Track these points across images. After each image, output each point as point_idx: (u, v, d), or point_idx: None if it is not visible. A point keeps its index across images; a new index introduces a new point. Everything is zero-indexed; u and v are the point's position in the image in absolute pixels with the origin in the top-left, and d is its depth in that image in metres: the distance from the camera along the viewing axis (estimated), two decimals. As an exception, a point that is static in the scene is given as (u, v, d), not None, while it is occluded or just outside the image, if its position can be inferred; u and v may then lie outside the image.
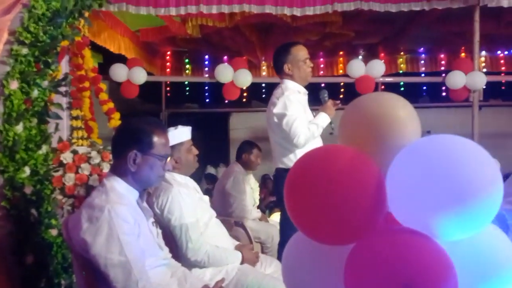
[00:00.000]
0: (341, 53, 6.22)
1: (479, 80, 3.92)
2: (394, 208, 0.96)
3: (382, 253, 0.88)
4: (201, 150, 2.29)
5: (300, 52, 2.75)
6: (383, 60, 5.26)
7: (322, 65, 6.24)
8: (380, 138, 1.04)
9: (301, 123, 2.57)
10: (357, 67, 4.23)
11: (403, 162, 0.96)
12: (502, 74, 5.78)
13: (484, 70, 5.81)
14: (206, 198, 2.33)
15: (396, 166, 0.97)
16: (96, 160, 2.50)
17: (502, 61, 5.86)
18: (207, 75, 5.64)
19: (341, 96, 5.91)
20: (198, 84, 6.94)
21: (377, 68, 4.20)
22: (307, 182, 0.99)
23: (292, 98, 2.63)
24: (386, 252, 0.88)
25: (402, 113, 1.06)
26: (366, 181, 0.95)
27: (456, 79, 3.94)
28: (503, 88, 6.47)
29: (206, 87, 7.11)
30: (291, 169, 1.06)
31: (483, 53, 5.73)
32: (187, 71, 6.37)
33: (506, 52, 5.88)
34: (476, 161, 0.90)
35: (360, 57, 5.92)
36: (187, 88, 7.14)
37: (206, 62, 6.29)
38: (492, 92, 6.11)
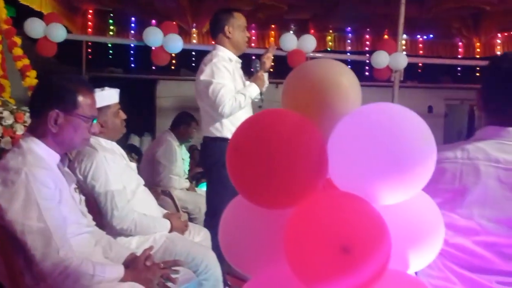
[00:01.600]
0: (273, 26, 6.24)
1: (401, 61, 4.13)
2: (334, 173, 0.97)
3: (320, 216, 0.88)
4: (126, 119, 2.18)
5: (242, 19, 2.73)
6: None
7: (254, 37, 6.21)
8: (323, 105, 1.03)
9: (227, 92, 2.53)
10: (289, 41, 4.25)
11: (344, 129, 0.97)
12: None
13: (404, 52, 6.15)
14: (133, 165, 2.23)
15: (337, 132, 0.97)
16: (9, 121, 2.29)
17: (421, 45, 6.23)
18: (133, 38, 5.35)
19: (271, 70, 5.94)
20: (123, 47, 6.57)
21: (309, 43, 4.25)
22: (248, 146, 0.97)
23: (219, 65, 2.58)
24: (324, 215, 0.88)
25: (346, 80, 1.06)
26: (307, 146, 0.94)
27: (380, 59, 4.11)
28: (419, 70, 6.91)
29: (132, 51, 6.76)
30: (234, 133, 1.02)
31: (404, 36, 6.04)
32: (111, 32, 5.99)
33: (425, 37, 6.25)
34: (413, 129, 0.93)
35: (291, 32, 5.96)
36: (111, 51, 6.74)
37: (133, 25, 5.95)
38: (410, 73, 6.50)
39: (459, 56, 6.09)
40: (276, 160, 0.93)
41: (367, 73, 5.80)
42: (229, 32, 2.67)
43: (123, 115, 2.11)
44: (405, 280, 0.96)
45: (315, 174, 0.95)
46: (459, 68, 7.20)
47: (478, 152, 1.21)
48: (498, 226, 1.17)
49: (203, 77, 2.56)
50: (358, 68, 6.59)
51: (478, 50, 6.00)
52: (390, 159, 0.91)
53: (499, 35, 5.91)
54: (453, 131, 7.27)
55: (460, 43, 6.04)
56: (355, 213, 0.89)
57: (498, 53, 6.15)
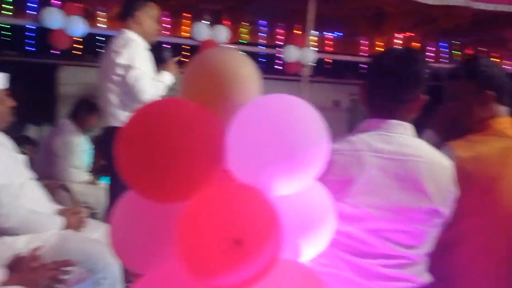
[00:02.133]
0: (186, 15, 6.09)
1: (310, 55, 4.26)
2: (232, 164, 0.94)
3: (213, 209, 0.85)
4: (21, 107, 1.99)
5: (155, 10, 2.66)
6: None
7: (166, 25, 6.01)
8: (222, 95, 1.01)
9: (147, 79, 2.45)
10: (203, 31, 4.19)
11: (241, 119, 0.94)
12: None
13: (316, 48, 6.37)
14: (22, 157, 2.02)
15: (235, 122, 0.94)
16: None
17: (330, 42, 6.49)
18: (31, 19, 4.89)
19: (183, 59, 5.81)
20: (19, 28, 5.98)
21: (222, 33, 4.21)
22: (140, 136, 0.90)
23: (139, 51, 2.49)
24: (217, 208, 0.85)
25: (245, 71, 1.04)
26: (202, 136, 0.90)
27: (291, 53, 4.21)
28: (326, 66, 7.20)
29: (29, 33, 6.18)
30: (125, 123, 0.95)
31: (316, 32, 6.24)
32: (7, 12, 5.43)
33: (334, 34, 6.52)
34: (306, 120, 0.93)
35: (205, 21, 5.88)
36: (4, 32, 6.11)
37: (30, 4, 5.44)
38: (319, 69, 6.75)
39: (364, 54, 6.45)
40: (168, 151, 0.88)
41: (279, 67, 5.92)
42: (140, 19, 2.57)
43: (10, 102, 1.91)
44: (298, 269, 0.96)
45: (209, 165, 0.91)
46: (363, 66, 7.64)
47: (362, 143, 1.26)
48: (382, 212, 1.23)
49: (121, 60, 2.42)
50: (270, 61, 6.71)
51: (381, 49, 6.40)
52: (284, 149, 0.90)
53: (399, 35, 6.35)
54: (357, 125, 7.68)
55: (364, 42, 6.40)
56: (248, 205, 0.87)
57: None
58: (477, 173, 1.46)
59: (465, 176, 1.44)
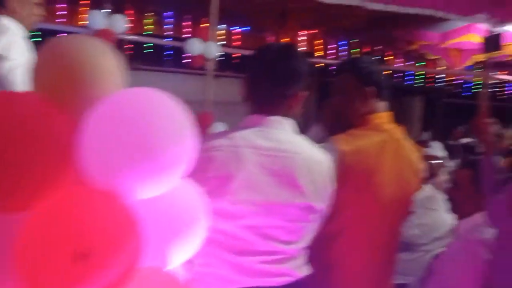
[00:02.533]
0: (84, 3, 5.70)
1: (214, 49, 4.20)
2: (84, 167, 0.85)
3: (56, 218, 0.76)
4: None
5: None
6: (129, 18, 5.04)
7: (62, 12, 5.58)
8: (75, 87, 0.90)
9: (22, 73, 2.21)
10: (99, 19, 3.92)
11: (97, 115, 0.85)
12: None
13: (223, 42, 6.33)
14: None
15: (89, 119, 0.85)
16: None
17: (237, 36, 6.49)
18: None
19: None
20: None
21: (120, 23, 3.99)
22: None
23: (18, 41, 2.23)
24: (61, 217, 0.76)
25: (103, 62, 0.94)
26: (44, 135, 0.80)
27: (195, 46, 4.11)
28: (234, 61, 7.20)
29: None
30: None
31: (223, 26, 6.20)
32: None
33: (242, 29, 6.53)
34: (168, 116, 0.86)
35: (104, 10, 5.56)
36: None
37: None
38: (226, 64, 6.73)
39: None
40: (12, 148, 0.76)
41: (185, 60, 5.79)
42: (13, 6, 2.30)
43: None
44: (161, 277, 0.90)
45: (55, 168, 0.81)
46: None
47: (243, 139, 1.25)
48: (260, 209, 1.22)
49: None
50: (177, 54, 6.54)
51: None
52: (143, 149, 0.82)
53: (302, 32, 6.55)
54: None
55: (271, 38, 6.49)
56: (99, 212, 0.78)
57: (304, 49, 6.83)
58: (357, 166, 1.51)
59: (346, 169, 1.48)
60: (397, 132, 1.64)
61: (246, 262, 1.23)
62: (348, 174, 1.49)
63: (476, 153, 1.85)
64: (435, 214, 2.84)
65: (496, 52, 5.83)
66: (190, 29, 6.30)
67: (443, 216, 2.42)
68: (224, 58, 4.78)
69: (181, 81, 6.55)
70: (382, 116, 1.63)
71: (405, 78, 9.92)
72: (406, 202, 1.69)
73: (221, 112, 4.16)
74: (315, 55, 6.88)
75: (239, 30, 6.51)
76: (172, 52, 6.85)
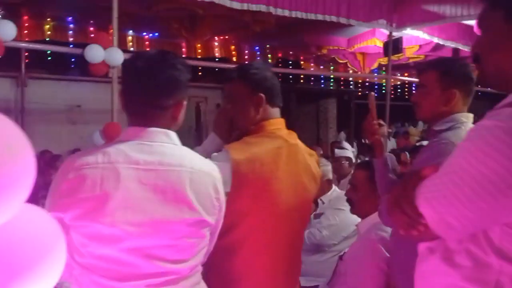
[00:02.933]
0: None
1: (117, 56, 3.98)
2: None
3: None
4: None
5: None
6: (27, 24, 4.67)
7: None
8: None
9: None
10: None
11: None
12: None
13: (132, 48, 6.09)
14: None
15: None
16: None
17: (147, 43, 6.28)
18: None
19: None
20: None
21: (8, 30, 3.61)
22: None
23: None
24: None
25: None
26: None
27: (95, 53, 3.86)
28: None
29: None
30: None
31: (131, 32, 5.97)
32: None
33: (151, 35, 6.32)
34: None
35: (-2, 16, 5.10)
36: None
37: None
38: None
39: (183, 56, 6.40)
40: None
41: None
42: None
43: None
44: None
45: None
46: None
47: (119, 154, 1.15)
48: (142, 229, 1.13)
49: None
50: (80, 62, 6.15)
51: (199, 51, 6.44)
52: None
53: (216, 38, 6.49)
54: (184, 127, 7.65)
55: (183, 44, 6.35)
56: None
57: (217, 54, 6.78)
58: (252, 174, 1.46)
59: (241, 178, 1.42)
60: (292, 137, 1.62)
61: (132, 287, 1.12)
62: (243, 183, 1.44)
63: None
64: (343, 214, 2.91)
65: (397, 55, 6.22)
66: (93, 36, 5.99)
67: (350, 216, 2.47)
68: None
69: (88, 90, 6.20)
70: (276, 122, 1.59)
71: (321, 82, 10.30)
72: (305, 207, 1.67)
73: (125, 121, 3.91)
74: (233, 60, 6.85)
75: (148, 36, 6.30)
76: (75, 59, 6.44)
